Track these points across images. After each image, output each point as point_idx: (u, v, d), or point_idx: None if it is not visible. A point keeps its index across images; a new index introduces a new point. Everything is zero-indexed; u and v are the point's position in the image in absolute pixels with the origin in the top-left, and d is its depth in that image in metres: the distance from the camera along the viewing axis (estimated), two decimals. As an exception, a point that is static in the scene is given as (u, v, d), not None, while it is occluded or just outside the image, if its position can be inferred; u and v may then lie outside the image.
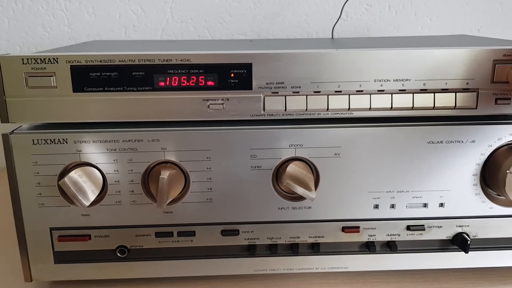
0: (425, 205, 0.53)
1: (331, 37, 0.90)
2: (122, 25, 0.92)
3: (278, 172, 0.51)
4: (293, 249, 0.54)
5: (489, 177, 0.52)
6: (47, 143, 0.49)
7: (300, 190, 0.48)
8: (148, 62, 0.48)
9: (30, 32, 0.92)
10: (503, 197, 0.52)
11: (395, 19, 0.94)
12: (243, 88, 0.49)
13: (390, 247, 0.54)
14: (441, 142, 0.51)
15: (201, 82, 0.49)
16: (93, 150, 0.50)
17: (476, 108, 0.50)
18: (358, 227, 0.53)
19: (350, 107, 0.50)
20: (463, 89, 0.49)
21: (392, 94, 0.49)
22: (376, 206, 0.53)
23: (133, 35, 0.93)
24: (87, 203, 0.48)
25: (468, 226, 0.54)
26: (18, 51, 0.92)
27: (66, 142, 0.49)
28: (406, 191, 0.52)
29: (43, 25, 0.91)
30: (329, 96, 0.49)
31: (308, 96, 0.49)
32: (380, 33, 0.94)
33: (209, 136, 0.50)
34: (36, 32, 0.92)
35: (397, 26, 0.94)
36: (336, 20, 0.90)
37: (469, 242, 0.53)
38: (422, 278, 0.56)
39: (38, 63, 0.47)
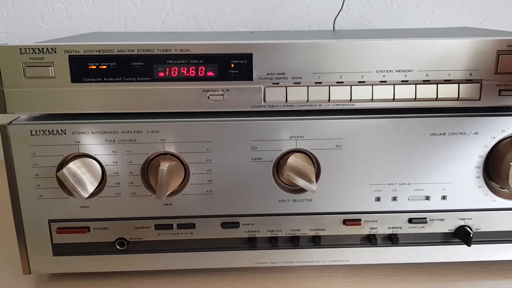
0: (427, 198, 0.52)
1: (332, 29, 0.89)
2: (121, 18, 0.91)
3: (279, 164, 0.51)
4: (294, 242, 0.53)
5: (492, 170, 0.51)
6: (45, 134, 0.49)
7: (301, 182, 0.47)
8: (147, 52, 0.47)
9: (29, 25, 0.91)
10: (506, 190, 0.52)
11: (397, 12, 0.93)
12: (244, 79, 0.48)
13: (392, 240, 0.53)
14: (444, 134, 0.50)
15: (201, 73, 0.48)
16: (92, 141, 0.49)
17: (480, 100, 0.49)
18: (360, 219, 0.53)
19: (352, 98, 0.49)
20: (466, 80, 0.49)
21: (394, 85, 0.49)
22: (378, 199, 0.52)
23: (133, 28, 0.92)
24: (85, 195, 0.48)
25: (470, 219, 0.53)
26: (17, 43, 0.91)
27: (65, 133, 0.49)
28: (408, 184, 0.52)
29: (42, 17, 0.91)
30: (330, 87, 0.49)
31: (309, 87, 0.49)
32: (382, 26, 0.94)
33: (209, 127, 0.49)
34: (35, 24, 0.91)
35: (399, 18, 0.93)
36: (337, 13, 0.89)
37: (471, 235, 0.52)
38: (424, 272, 0.56)
39: (36, 53, 0.47)
